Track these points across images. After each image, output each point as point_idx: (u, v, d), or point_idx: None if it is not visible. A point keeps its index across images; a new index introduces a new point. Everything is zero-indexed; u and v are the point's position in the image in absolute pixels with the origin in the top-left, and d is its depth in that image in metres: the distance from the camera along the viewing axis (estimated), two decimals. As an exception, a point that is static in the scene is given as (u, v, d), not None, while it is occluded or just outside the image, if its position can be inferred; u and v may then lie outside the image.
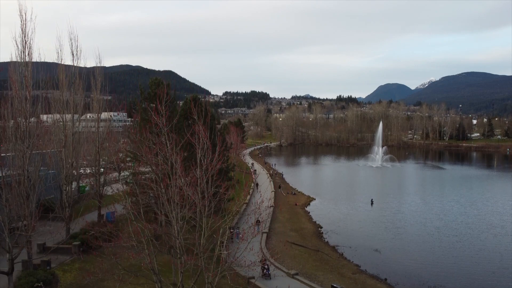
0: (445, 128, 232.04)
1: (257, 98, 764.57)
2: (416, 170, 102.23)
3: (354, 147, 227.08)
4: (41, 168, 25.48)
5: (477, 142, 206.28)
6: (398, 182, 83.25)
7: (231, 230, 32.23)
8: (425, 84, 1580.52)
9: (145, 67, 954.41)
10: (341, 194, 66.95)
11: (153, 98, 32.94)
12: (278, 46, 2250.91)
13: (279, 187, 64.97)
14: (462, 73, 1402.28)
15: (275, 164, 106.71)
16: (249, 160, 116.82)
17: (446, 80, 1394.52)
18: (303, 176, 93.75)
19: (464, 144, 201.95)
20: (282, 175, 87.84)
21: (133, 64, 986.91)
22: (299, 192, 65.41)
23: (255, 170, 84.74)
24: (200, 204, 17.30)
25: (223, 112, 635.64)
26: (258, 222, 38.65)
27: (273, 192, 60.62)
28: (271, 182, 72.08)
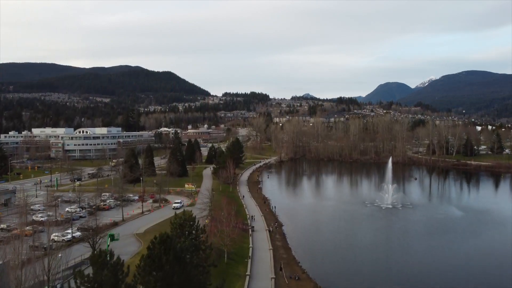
0: (450, 138, 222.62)
1: (257, 100, 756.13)
2: (429, 218, 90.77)
3: (357, 163, 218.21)
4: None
5: (486, 160, 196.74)
6: (413, 242, 73.69)
7: None
8: (425, 83, 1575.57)
9: (144, 67, 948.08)
10: (350, 270, 58.04)
11: None
12: (278, 46, 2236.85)
13: (280, 268, 55.58)
14: (462, 72, 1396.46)
15: (275, 207, 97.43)
16: (246, 196, 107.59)
17: (447, 79, 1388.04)
18: (305, 225, 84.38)
19: (473, 162, 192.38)
20: (283, 230, 78.64)
21: (133, 65, 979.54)
22: (303, 272, 56.06)
23: (253, 226, 75.30)
24: None
25: (222, 115, 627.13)
26: None
27: (273, 280, 51.28)
28: (271, 251, 62.78)
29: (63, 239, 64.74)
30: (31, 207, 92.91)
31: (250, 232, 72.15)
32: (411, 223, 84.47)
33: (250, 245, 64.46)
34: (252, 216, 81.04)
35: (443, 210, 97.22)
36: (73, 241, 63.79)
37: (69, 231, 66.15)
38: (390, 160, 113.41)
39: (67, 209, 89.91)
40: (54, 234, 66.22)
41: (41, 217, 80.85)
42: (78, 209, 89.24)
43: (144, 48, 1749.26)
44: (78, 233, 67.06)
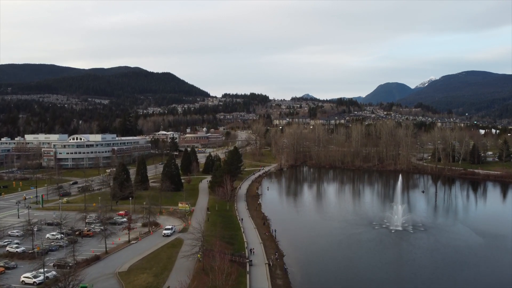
0: (455, 143, 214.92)
1: (257, 101, 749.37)
2: (445, 245, 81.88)
3: (360, 170, 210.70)
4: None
5: (495, 168, 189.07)
6: (431, 279, 65.92)
7: None
8: (425, 83, 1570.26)
9: (144, 68, 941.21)
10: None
11: None
12: (278, 46, 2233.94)
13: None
14: (462, 72, 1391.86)
15: (275, 230, 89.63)
16: (245, 217, 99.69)
17: (447, 79, 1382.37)
18: (309, 254, 76.33)
19: (480, 171, 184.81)
20: (284, 262, 70.87)
21: (132, 66, 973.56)
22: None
23: (251, 260, 67.35)
24: None
25: (221, 117, 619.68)
26: None
27: None
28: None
29: (34, 281, 56.85)
30: (9, 232, 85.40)
31: (248, 267, 64.34)
32: (425, 252, 76.47)
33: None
34: (251, 249, 72.79)
35: (458, 234, 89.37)
36: (46, 283, 55.88)
37: (42, 270, 58.08)
38: (400, 178, 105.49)
39: (48, 235, 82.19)
40: (24, 275, 58.58)
41: (16, 247, 73.10)
42: (59, 236, 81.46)
43: (144, 49, 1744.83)
44: (53, 273, 59.07)
